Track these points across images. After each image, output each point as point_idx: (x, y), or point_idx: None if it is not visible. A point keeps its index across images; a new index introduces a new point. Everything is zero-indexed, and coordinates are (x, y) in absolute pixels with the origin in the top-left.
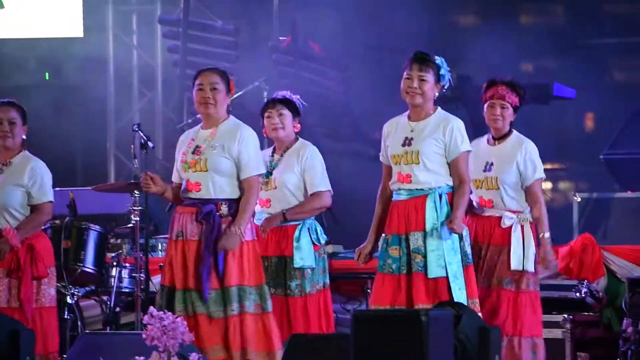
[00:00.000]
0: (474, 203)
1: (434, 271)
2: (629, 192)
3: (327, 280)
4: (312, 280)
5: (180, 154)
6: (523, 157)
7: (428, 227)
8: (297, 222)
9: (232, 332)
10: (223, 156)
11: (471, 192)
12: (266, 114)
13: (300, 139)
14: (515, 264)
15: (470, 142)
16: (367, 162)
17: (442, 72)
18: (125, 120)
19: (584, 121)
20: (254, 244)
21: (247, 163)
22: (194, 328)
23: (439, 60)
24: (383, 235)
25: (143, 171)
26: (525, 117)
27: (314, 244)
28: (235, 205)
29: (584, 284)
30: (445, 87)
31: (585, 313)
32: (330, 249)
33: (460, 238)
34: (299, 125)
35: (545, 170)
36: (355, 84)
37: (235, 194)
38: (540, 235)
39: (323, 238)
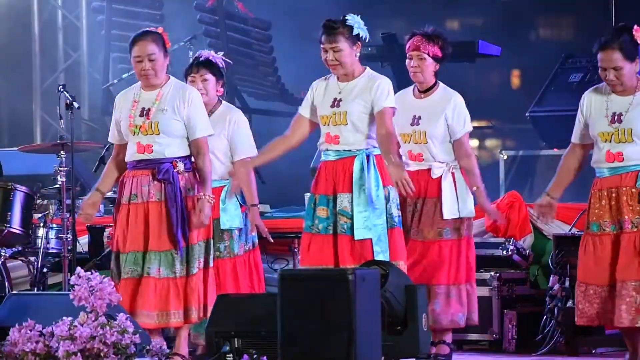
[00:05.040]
0: (403, 157)
1: (360, 233)
2: (555, 149)
3: (256, 240)
4: (239, 241)
5: (123, 116)
6: (452, 110)
7: (355, 188)
8: (222, 184)
9: (191, 289)
10: (174, 118)
11: (399, 146)
12: (190, 78)
13: (224, 102)
14: (447, 213)
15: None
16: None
17: (355, 31)
18: (51, 81)
19: (510, 78)
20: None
21: (195, 125)
22: (142, 289)
23: (350, 20)
24: (310, 194)
25: (80, 214)
26: (450, 75)
27: (240, 204)
28: (188, 162)
29: (510, 241)
30: (367, 40)
31: (512, 271)
32: None
33: (387, 200)
34: (222, 89)
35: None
36: (280, 43)
37: (187, 152)
38: (474, 189)
39: None
